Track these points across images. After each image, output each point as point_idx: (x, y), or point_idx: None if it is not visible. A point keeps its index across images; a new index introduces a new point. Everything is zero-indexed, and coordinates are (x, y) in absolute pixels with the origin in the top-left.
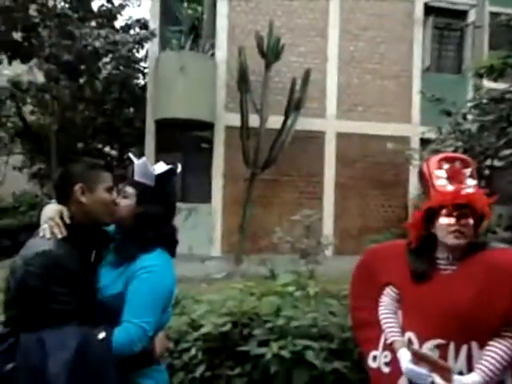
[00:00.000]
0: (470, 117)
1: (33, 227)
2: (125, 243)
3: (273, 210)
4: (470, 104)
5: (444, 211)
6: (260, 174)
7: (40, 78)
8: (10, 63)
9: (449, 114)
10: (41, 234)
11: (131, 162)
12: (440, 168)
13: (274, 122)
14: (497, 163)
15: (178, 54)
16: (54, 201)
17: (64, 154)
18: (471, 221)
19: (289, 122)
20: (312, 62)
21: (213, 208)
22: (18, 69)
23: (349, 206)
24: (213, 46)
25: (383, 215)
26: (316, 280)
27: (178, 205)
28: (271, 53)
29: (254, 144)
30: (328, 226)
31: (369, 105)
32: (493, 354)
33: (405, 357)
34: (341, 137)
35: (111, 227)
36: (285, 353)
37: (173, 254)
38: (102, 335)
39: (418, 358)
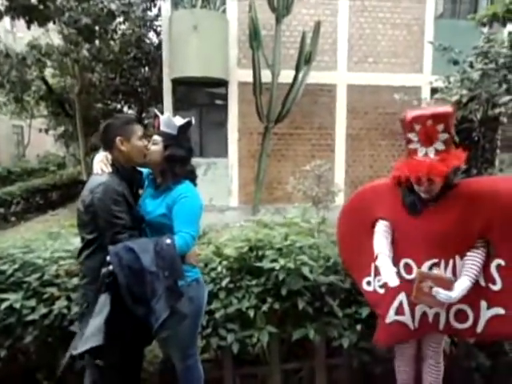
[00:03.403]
0: (479, 65)
1: (61, 187)
2: (160, 179)
3: (286, 163)
4: (474, 52)
5: None
6: (273, 128)
7: (56, 40)
8: (28, 27)
9: (456, 62)
10: (95, 172)
11: (157, 116)
12: (412, 130)
13: (286, 76)
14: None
15: (190, 12)
16: (101, 150)
17: (86, 115)
18: (432, 182)
19: (300, 75)
20: (323, 14)
21: (230, 162)
22: (32, 33)
23: (360, 157)
24: (224, 2)
25: (394, 165)
26: (325, 224)
27: (198, 160)
28: (281, 6)
29: (266, 99)
30: (340, 176)
31: (380, 56)
32: (472, 261)
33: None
34: (352, 89)
35: (146, 170)
36: (290, 264)
37: (195, 184)
38: (168, 241)
39: (424, 277)
